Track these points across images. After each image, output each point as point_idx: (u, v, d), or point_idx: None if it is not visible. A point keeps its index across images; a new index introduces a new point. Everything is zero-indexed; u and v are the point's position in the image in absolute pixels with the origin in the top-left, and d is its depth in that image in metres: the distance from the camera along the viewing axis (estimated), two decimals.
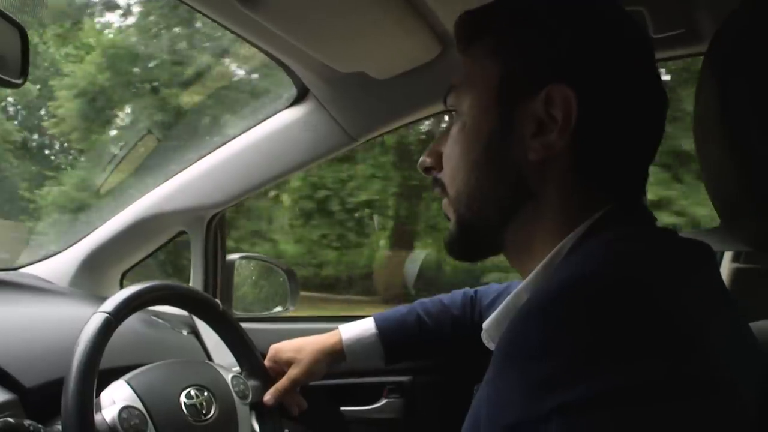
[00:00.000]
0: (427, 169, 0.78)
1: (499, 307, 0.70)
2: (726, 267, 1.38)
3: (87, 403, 0.86)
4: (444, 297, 1.28)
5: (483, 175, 0.70)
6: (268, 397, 1.15)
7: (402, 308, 1.25)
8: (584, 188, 0.66)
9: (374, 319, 1.21)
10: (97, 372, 0.88)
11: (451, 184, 0.74)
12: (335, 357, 1.19)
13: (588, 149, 0.65)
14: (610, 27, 0.67)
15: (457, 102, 0.73)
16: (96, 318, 0.92)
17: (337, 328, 1.21)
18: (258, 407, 1.15)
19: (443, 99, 0.77)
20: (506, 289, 1.22)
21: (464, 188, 0.72)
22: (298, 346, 1.19)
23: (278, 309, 1.63)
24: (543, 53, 0.66)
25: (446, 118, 0.80)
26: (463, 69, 0.74)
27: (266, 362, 1.20)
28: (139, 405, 0.93)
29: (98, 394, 0.92)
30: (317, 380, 1.18)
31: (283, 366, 1.18)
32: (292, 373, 1.16)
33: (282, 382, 1.16)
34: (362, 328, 1.20)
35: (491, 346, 0.70)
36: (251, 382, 1.14)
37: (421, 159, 0.79)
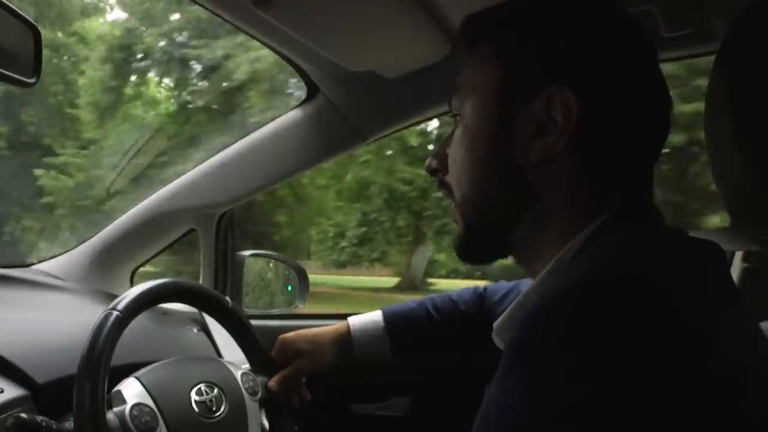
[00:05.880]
0: (433, 171, 0.79)
1: (509, 308, 0.70)
2: (737, 267, 1.37)
3: (99, 401, 0.86)
4: (453, 293, 1.29)
5: (487, 177, 0.70)
6: (272, 383, 1.15)
7: (411, 302, 1.26)
8: (588, 188, 0.67)
9: (383, 311, 1.23)
10: (108, 370, 0.89)
11: (457, 186, 0.74)
12: (343, 347, 1.20)
13: (589, 150, 0.66)
14: (610, 28, 0.67)
15: (460, 105, 0.74)
16: (106, 316, 0.93)
17: None
18: (268, 404, 1.15)
19: (448, 102, 0.77)
20: (515, 287, 1.23)
21: (469, 191, 0.72)
22: (306, 336, 1.20)
23: (288, 306, 1.63)
24: (542, 55, 0.67)
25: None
26: (464, 72, 0.74)
27: (273, 352, 1.21)
28: (149, 402, 0.94)
29: (109, 391, 0.92)
30: (324, 370, 1.19)
31: (290, 356, 1.19)
32: (300, 362, 1.17)
33: (288, 370, 1.17)
34: (370, 319, 1.22)
35: (502, 346, 0.70)
36: (260, 379, 1.14)
37: (427, 161, 0.80)
